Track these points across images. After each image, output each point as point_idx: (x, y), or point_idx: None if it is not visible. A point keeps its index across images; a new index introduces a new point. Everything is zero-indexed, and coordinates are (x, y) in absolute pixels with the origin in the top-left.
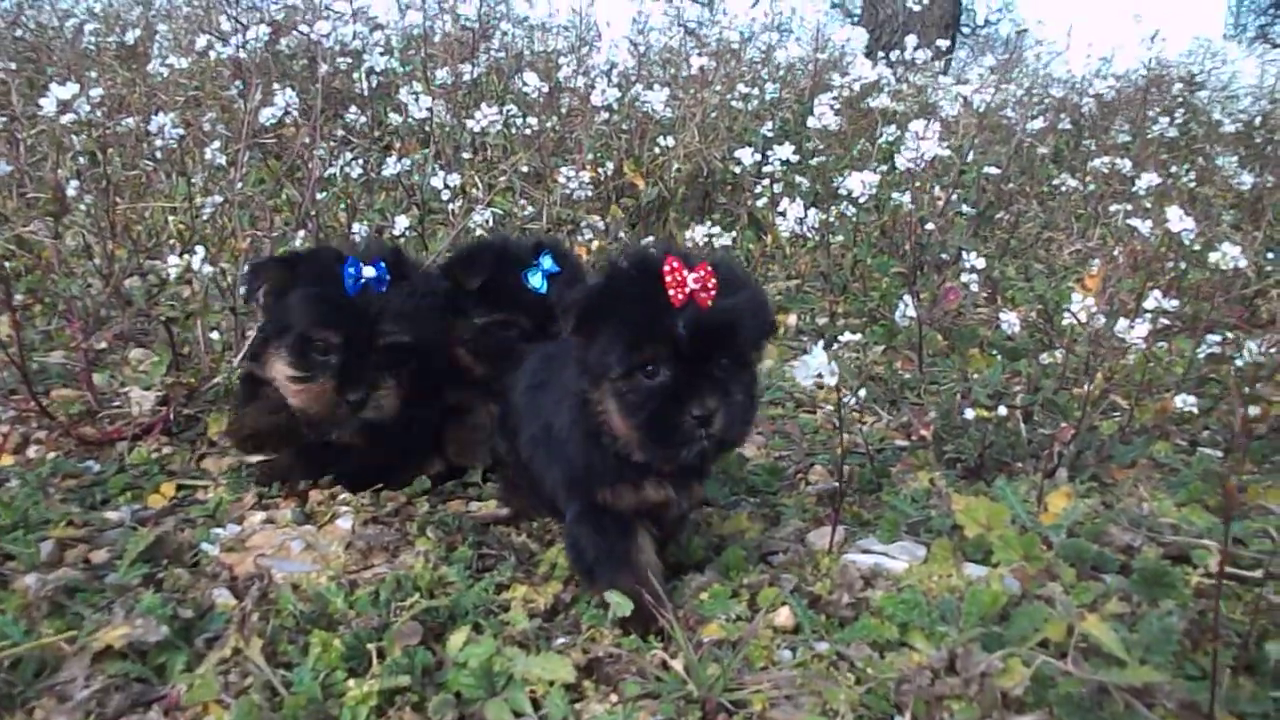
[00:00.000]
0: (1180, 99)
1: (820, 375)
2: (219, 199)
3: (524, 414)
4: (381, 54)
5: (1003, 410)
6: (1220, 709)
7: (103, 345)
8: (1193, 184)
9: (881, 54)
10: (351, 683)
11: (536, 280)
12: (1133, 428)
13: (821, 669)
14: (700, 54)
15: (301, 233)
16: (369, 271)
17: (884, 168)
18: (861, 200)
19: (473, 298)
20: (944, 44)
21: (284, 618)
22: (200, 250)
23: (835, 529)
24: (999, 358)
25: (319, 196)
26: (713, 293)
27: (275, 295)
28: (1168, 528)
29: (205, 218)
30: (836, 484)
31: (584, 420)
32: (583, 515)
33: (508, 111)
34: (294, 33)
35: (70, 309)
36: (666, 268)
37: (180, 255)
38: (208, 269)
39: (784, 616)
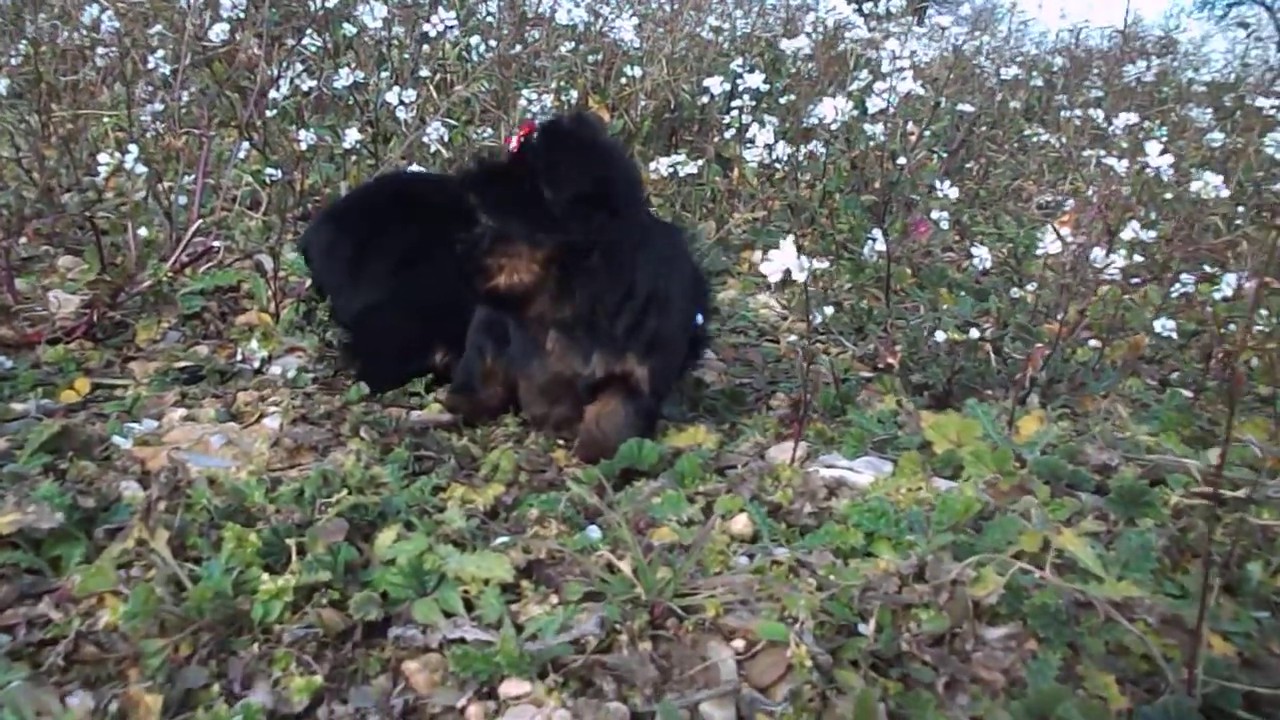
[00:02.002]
0: (1155, 54)
1: (788, 270)
2: (159, 106)
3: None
4: None
5: (974, 334)
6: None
7: (25, 244)
8: (1165, 139)
9: (855, 5)
10: (266, 577)
11: None
12: (1103, 363)
13: (780, 575)
14: None
15: (245, 145)
16: None
17: (855, 110)
18: (833, 127)
19: None
20: None
21: (196, 511)
22: (133, 149)
23: (798, 442)
24: (967, 296)
25: (268, 114)
26: None
27: None
28: (1144, 451)
29: (145, 127)
30: (799, 395)
31: None
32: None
33: (467, 36)
34: None
35: None
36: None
37: (111, 156)
38: (141, 168)
39: (741, 523)
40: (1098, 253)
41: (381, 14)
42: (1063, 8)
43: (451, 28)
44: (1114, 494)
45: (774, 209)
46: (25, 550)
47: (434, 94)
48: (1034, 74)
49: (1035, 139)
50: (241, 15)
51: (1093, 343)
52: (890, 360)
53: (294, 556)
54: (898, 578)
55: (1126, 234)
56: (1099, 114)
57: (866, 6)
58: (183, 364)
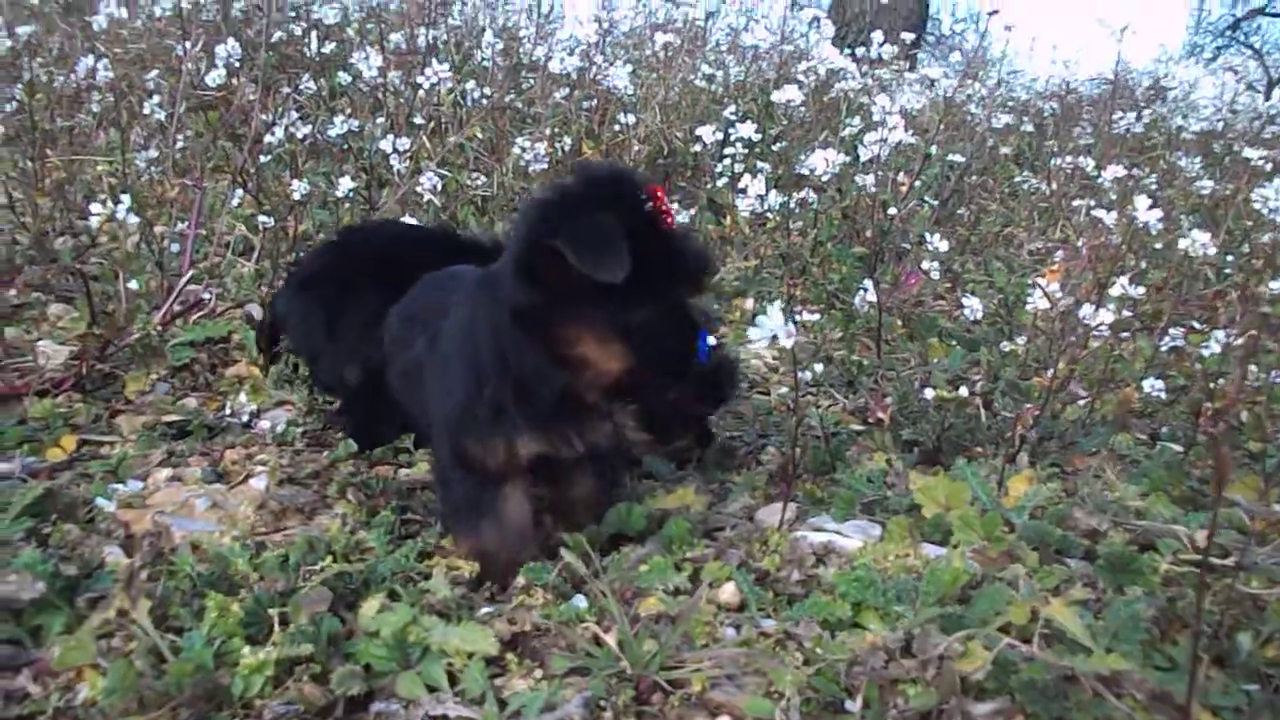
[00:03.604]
0: (1145, 103)
1: (775, 336)
2: (153, 153)
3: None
4: (332, 11)
5: (963, 392)
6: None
7: (14, 294)
8: (1154, 186)
9: (848, 50)
10: (248, 650)
11: None
12: (1093, 419)
13: (767, 648)
14: (665, 31)
15: (239, 192)
16: None
17: (847, 158)
18: (824, 179)
19: None
20: (909, 37)
21: (179, 579)
22: (126, 198)
23: (786, 504)
24: (958, 347)
25: (262, 160)
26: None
27: None
28: (1133, 514)
29: (140, 173)
30: (788, 456)
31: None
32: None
33: (462, 83)
34: None
35: None
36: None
37: (104, 204)
38: (133, 218)
39: (729, 592)
40: (1088, 309)
41: (377, 63)
42: (1053, 51)
43: (446, 79)
44: (1103, 560)
45: (765, 256)
46: (5, 620)
47: (427, 143)
48: (1024, 120)
49: (1026, 186)
50: (238, 63)
51: (1082, 398)
52: (880, 415)
53: (276, 627)
54: (885, 651)
55: (1115, 290)
56: (1088, 161)
57: (859, 51)
58: (171, 418)
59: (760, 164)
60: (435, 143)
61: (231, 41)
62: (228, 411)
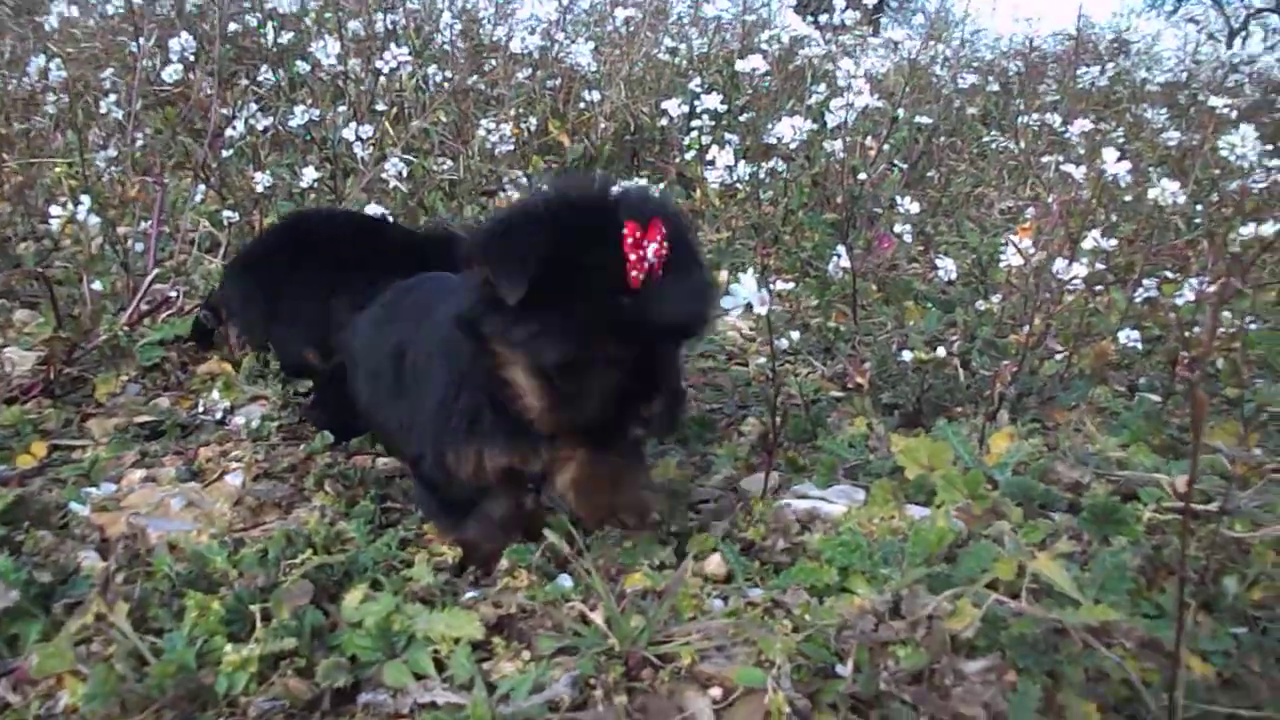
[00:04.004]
0: (1108, 57)
1: (750, 304)
2: (112, 153)
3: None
4: (288, 1)
5: (941, 352)
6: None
7: None
8: (1122, 139)
9: (810, 17)
10: (230, 648)
11: None
12: (1071, 373)
13: (755, 617)
14: (626, 6)
15: (201, 187)
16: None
17: (815, 125)
18: (792, 147)
19: None
20: (872, 2)
21: (157, 580)
22: (86, 200)
23: (769, 473)
24: (933, 309)
25: (224, 154)
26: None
27: None
28: (1115, 465)
29: (99, 173)
30: (769, 425)
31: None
32: None
33: (423, 68)
34: None
35: None
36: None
37: (64, 206)
38: (94, 219)
39: (714, 564)
40: (1061, 263)
41: (336, 50)
42: (1015, 10)
43: (405, 63)
44: (1087, 513)
45: (737, 228)
46: None
47: (390, 129)
48: (989, 80)
49: (994, 145)
50: (193, 57)
51: (1058, 353)
52: (859, 380)
53: (258, 623)
54: (874, 615)
55: (1088, 243)
56: (1056, 118)
57: (821, 19)
58: (143, 419)
59: (728, 135)
60: (399, 129)
61: (185, 35)
62: (201, 410)
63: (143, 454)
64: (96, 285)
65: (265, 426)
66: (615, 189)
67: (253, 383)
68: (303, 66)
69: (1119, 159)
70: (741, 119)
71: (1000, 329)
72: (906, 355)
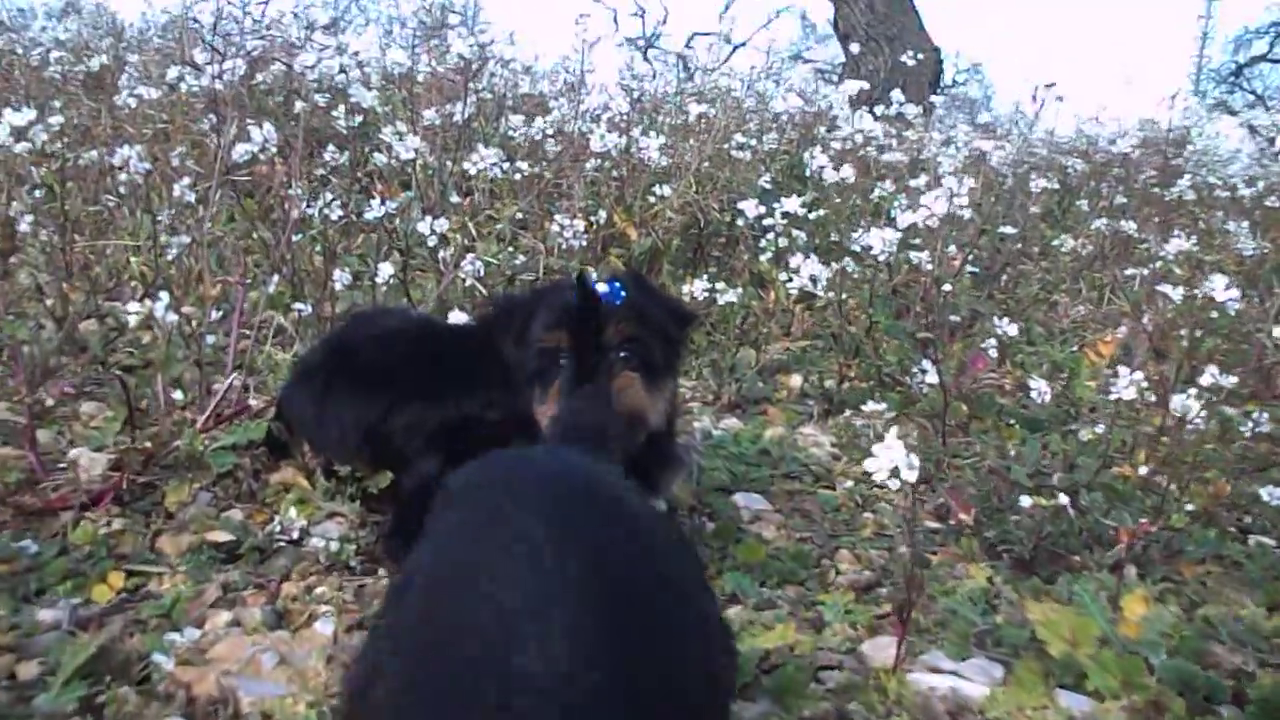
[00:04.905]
0: (1177, 161)
1: (896, 470)
2: (186, 239)
3: None
4: (366, 89)
5: (1063, 499)
6: None
7: (50, 400)
8: (1196, 248)
9: (866, 108)
10: None
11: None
12: (1181, 513)
13: None
14: (699, 101)
15: (275, 278)
16: (602, 287)
17: (884, 225)
18: (880, 258)
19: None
20: (935, 100)
21: None
22: (164, 295)
23: (902, 646)
24: (1019, 429)
25: (294, 239)
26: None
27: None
28: (1267, 643)
29: (170, 258)
30: (883, 580)
31: None
32: None
33: (499, 155)
34: (274, 65)
35: (15, 355)
36: None
37: (141, 300)
38: (172, 316)
39: None
40: (1179, 400)
41: (415, 144)
42: (1076, 110)
43: (494, 165)
44: (1254, 706)
45: (809, 333)
46: None
47: (471, 226)
48: (1048, 177)
49: (1063, 248)
50: (275, 148)
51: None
52: (963, 517)
53: None
54: None
55: (1205, 379)
56: (1128, 224)
57: (879, 110)
58: (217, 537)
59: (795, 230)
60: (471, 220)
61: (267, 125)
62: (277, 528)
63: (224, 587)
64: (177, 395)
65: (345, 550)
66: None
67: (330, 499)
68: (380, 159)
69: (1227, 286)
70: (810, 217)
71: (1104, 460)
72: (1025, 501)
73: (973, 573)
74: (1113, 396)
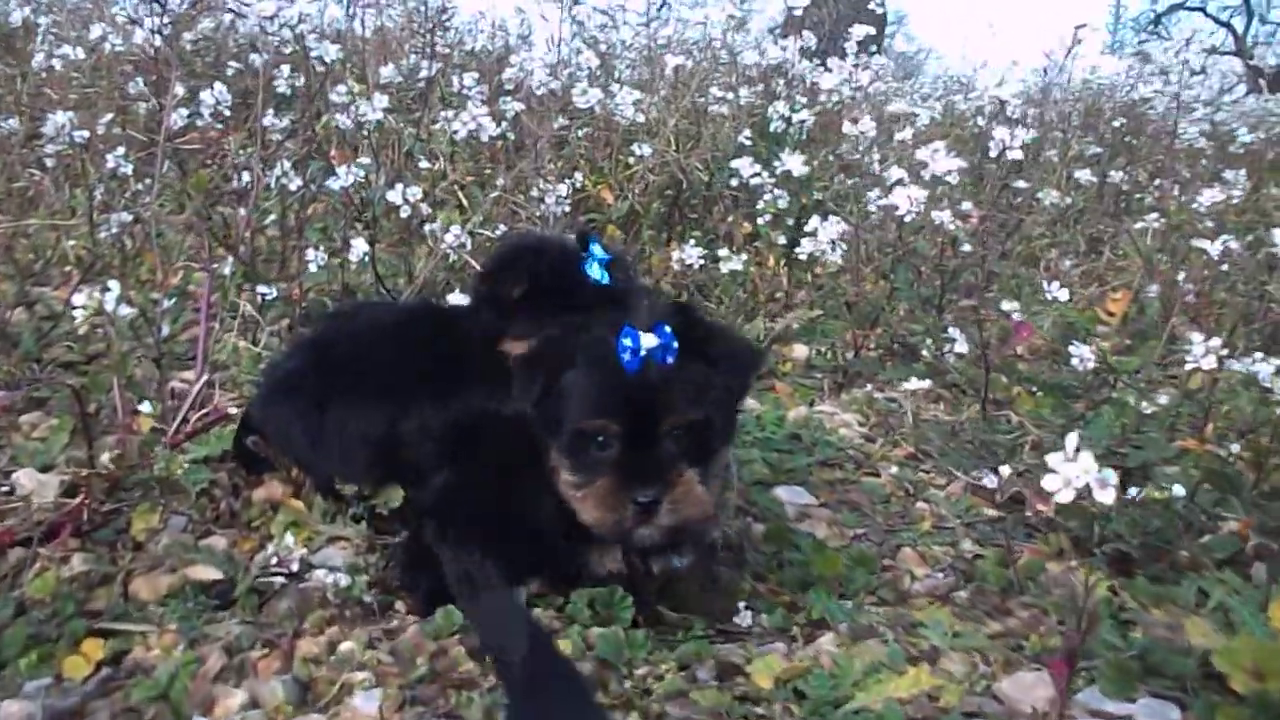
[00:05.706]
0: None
1: (1087, 488)
2: (127, 217)
3: None
4: (335, 49)
5: (1179, 489)
6: None
7: None
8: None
9: (817, 60)
10: None
11: (596, 272)
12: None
13: None
14: (674, 53)
15: (231, 259)
16: (650, 340)
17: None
18: (908, 219)
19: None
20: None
21: None
22: (114, 285)
23: (1064, 693)
24: (1045, 396)
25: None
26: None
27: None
28: None
29: (110, 239)
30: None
31: None
32: None
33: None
34: (224, 17)
35: None
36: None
37: (78, 285)
38: (125, 310)
39: None
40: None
41: (382, 104)
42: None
43: (486, 121)
44: None
45: (815, 301)
46: None
47: (463, 198)
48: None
49: (1047, 202)
50: (228, 111)
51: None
52: (1041, 508)
53: None
54: None
55: None
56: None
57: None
58: (200, 574)
59: (778, 191)
60: (448, 191)
61: (219, 86)
62: (272, 559)
63: (227, 651)
64: (145, 407)
65: (356, 584)
66: None
67: (328, 520)
68: (341, 121)
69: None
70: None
71: (1170, 433)
72: (1132, 491)
73: (1098, 585)
74: (1189, 366)
